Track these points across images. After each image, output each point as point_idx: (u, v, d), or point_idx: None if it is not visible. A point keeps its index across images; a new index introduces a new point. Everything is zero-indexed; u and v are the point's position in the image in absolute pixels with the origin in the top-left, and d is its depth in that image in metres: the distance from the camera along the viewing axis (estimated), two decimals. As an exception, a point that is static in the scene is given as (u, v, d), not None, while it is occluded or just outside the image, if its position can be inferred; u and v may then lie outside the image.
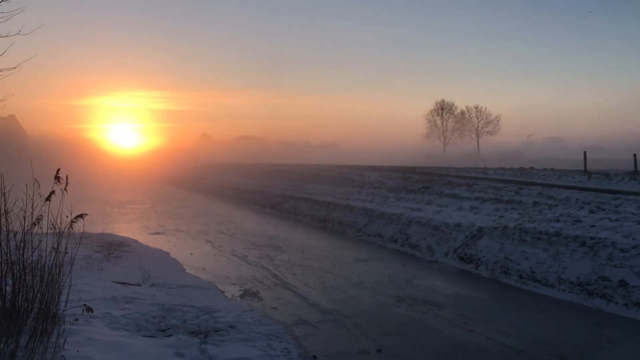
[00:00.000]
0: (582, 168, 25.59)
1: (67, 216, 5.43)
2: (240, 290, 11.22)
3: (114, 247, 15.10)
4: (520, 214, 15.52)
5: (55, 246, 5.63)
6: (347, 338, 8.04)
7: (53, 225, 5.61)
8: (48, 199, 5.41)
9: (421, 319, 8.98)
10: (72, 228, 5.47)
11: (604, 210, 14.29)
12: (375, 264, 13.83)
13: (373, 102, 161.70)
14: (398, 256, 15.00)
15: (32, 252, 5.50)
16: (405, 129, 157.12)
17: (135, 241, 17.13)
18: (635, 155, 24.31)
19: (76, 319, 6.83)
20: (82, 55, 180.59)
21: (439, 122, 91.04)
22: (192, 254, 15.65)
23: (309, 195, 27.56)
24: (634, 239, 10.87)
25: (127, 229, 21.43)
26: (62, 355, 5.20)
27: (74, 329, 6.27)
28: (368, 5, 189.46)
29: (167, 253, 15.53)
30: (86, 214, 5.60)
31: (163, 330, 7.54)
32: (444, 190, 21.84)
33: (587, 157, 27.13)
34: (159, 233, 20.30)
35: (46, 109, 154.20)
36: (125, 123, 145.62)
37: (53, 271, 5.56)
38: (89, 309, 6.84)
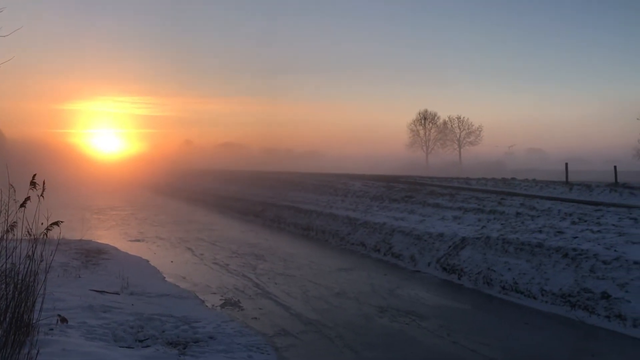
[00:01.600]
0: (564, 179, 25.80)
1: (42, 223, 5.27)
2: (220, 299, 11.04)
3: (92, 255, 14.83)
4: (502, 224, 15.55)
5: (30, 253, 5.46)
6: (330, 349, 7.92)
7: (28, 232, 5.44)
8: (23, 205, 5.25)
9: (404, 330, 8.89)
10: (47, 235, 5.31)
11: (586, 221, 14.37)
12: (358, 274, 13.73)
13: (357, 110, 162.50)
14: (381, 265, 14.92)
15: (6, 260, 5.32)
16: (388, 138, 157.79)
17: (115, 248, 16.85)
18: (615, 167, 24.62)
19: (51, 329, 6.64)
20: (65, 59, 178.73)
21: (421, 131, 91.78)
22: (172, 262, 15.42)
23: (292, 203, 27.43)
24: (615, 250, 10.91)
25: (107, 235, 21.10)
26: (34, 367, 5.03)
27: (48, 339, 6.09)
28: (351, 14, 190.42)
29: (147, 261, 15.29)
30: (62, 221, 5.44)
31: (141, 341, 7.36)
32: (427, 200, 21.85)
33: (568, 168, 27.38)
34: (138, 240, 20.01)
35: (28, 112, 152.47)
36: (107, 128, 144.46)
37: (27, 279, 5.39)
38: (64, 319, 6.64)
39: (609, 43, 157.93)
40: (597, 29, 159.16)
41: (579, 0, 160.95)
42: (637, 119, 64.16)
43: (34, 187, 5.32)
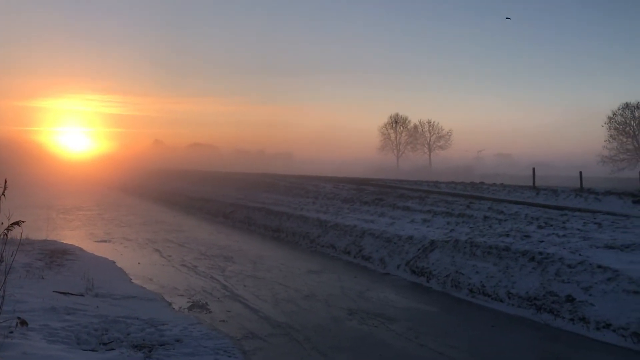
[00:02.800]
0: (531, 184, 26.23)
1: (1, 223, 5.11)
2: (188, 302, 10.90)
3: (56, 255, 14.49)
4: (471, 227, 15.72)
5: (-10, 254, 5.29)
6: (298, 353, 7.87)
7: (-12, 232, 5.27)
8: (-18, 204, 5.08)
9: (373, 333, 8.90)
10: (7, 235, 5.15)
11: (552, 225, 14.63)
12: (328, 276, 13.71)
13: (329, 113, 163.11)
14: (351, 268, 14.93)
15: (-36, 261, 5.15)
16: (360, 142, 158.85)
17: (80, 249, 16.52)
18: (581, 173, 25.12)
19: (11, 332, 6.43)
20: (31, 55, 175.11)
21: (392, 135, 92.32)
22: (139, 263, 15.18)
23: (263, 205, 27.29)
24: (580, 254, 11.11)
25: (72, 236, 20.68)
26: (-8, 372, 4.86)
27: (8, 343, 5.89)
28: (323, 17, 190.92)
29: (113, 262, 15.02)
30: (24, 221, 5.28)
31: (105, 344, 7.20)
32: (397, 203, 21.98)
33: (535, 173, 27.85)
34: (105, 241, 19.65)
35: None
36: (75, 126, 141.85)
37: (-14, 281, 5.22)
38: (23, 322, 6.44)
39: (575, 50, 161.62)
40: (565, 36, 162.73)
41: (546, 8, 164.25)
42: (602, 125, 65.48)
43: (-6, 185, 5.16)
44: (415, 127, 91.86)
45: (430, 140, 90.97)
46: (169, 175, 57.87)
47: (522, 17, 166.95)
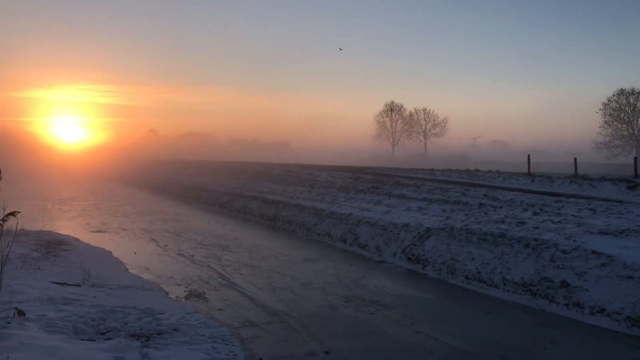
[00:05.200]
0: (526, 171, 26.32)
1: (-3, 214, 5.11)
2: (185, 291, 10.93)
3: (53, 246, 14.49)
4: (466, 215, 15.77)
5: (-15, 245, 5.29)
6: (295, 340, 7.92)
7: (-17, 223, 5.27)
8: (-23, 195, 5.07)
9: (369, 320, 8.95)
10: (2, 226, 5.15)
11: (546, 212, 14.69)
12: (324, 264, 13.75)
13: (325, 102, 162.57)
14: (347, 256, 14.98)
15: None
16: (355, 130, 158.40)
17: (76, 239, 16.52)
18: (575, 159, 25.25)
19: (8, 322, 6.46)
20: (25, 45, 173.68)
21: (388, 123, 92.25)
22: (135, 253, 15.19)
23: (259, 194, 27.31)
24: (574, 240, 11.18)
25: (68, 226, 20.66)
26: (-10, 362, 4.88)
27: (5, 333, 5.92)
28: (318, 5, 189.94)
29: (110, 252, 15.02)
30: (19, 212, 5.28)
31: (102, 334, 7.23)
32: (392, 191, 22.01)
33: (530, 160, 27.93)
34: (101, 231, 19.64)
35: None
36: (69, 117, 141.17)
37: (-18, 272, 5.23)
38: (21, 313, 6.47)
39: (571, 37, 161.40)
40: (560, 22, 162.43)
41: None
42: (597, 112, 65.63)
43: (-11, 176, 5.15)
44: (411, 114, 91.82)
45: (425, 127, 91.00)
46: (165, 165, 57.74)
47: (518, 4, 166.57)
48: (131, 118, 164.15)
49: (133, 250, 15.66)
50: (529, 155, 28.44)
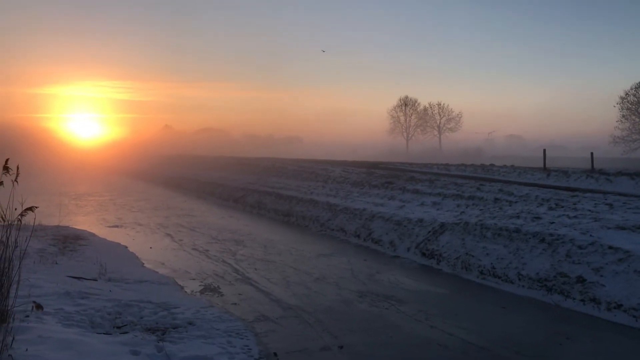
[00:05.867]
0: (542, 165, 26.10)
1: (15, 208, 5.17)
2: (200, 285, 11.01)
3: (69, 241, 14.65)
4: (481, 210, 15.69)
5: (4, 239, 5.36)
6: (309, 334, 7.94)
7: (2, 217, 5.34)
8: (-5, 190, 5.14)
9: (383, 315, 8.95)
10: (20, 221, 5.22)
11: (562, 207, 14.56)
12: (338, 259, 13.77)
13: (338, 97, 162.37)
14: (361, 251, 14.98)
15: (-21, 246, 5.22)
16: (369, 125, 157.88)
17: (92, 234, 16.69)
18: (592, 154, 24.96)
19: (26, 316, 6.54)
20: (42, 42, 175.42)
21: (402, 118, 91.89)
22: (151, 248, 15.32)
23: (273, 189, 27.37)
24: (591, 235, 11.08)
25: (84, 221, 20.88)
26: (9, 355, 4.95)
27: (24, 327, 5.99)
28: (333, 2, 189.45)
29: (125, 247, 15.17)
30: (37, 207, 5.34)
31: (119, 327, 7.30)
32: (406, 186, 21.95)
33: (546, 154, 27.69)
34: (117, 226, 19.83)
35: (1, 96, 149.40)
36: (85, 113, 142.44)
37: (1, 265, 5.29)
38: (39, 307, 6.54)
39: (587, 30, 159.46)
40: (577, 15, 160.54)
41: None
42: (614, 106, 64.66)
43: (7, 172, 5.21)
44: (425, 109, 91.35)
45: (440, 122, 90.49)
46: (179, 160, 58.08)
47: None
48: (146, 114, 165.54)
49: (148, 245, 15.79)
50: (544, 150, 28.19)
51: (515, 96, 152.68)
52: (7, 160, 5.27)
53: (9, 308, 5.45)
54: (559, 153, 65.35)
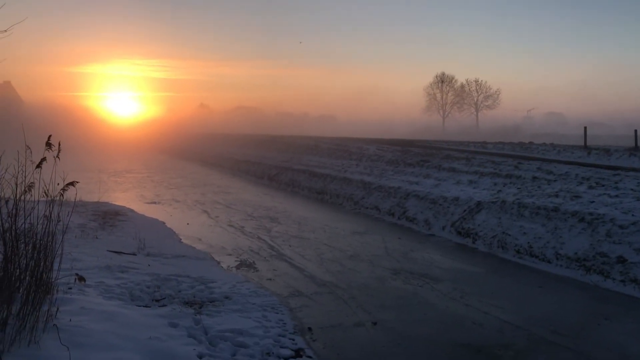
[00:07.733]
0: (582, 144, 25.47)
1: (58, 184, 5.30)
2: (236, 261, 11.17)
3: (109, 216, 15.02)
4: (518, 188, 15.42)
5: (47, 214, 5.51)
6: (343, 310, 8.00)
7: (45, 192, 5.48)
8: (39, 165, 5.27)
9: (417, 293, 8.94)
10: (62, 196, 5.35)
11: (603, 186, 14.20)
12: (372, 237, 13.77)
13: (373, 74, 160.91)
14: (395, 229, 14.95)
15: (24, 220, 5.37)
16: (404, 102, 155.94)
17: (131, 210, 17.06)
18: (636, 131, 24.16)
19: (70, 288, 6.76)
20: (80, 21, 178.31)
21: (438, 95, 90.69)
22: (188, 224, 15.59)
23: (307, 167, 27.44)
24: (633, 215, 10.79)
25: (123, 198, 21.35)
26: (54, 324, 5.12)
27: (67, 298, 6.19)
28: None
29: (163, 223, 15.47)
30: (77, 182, 5.46)
31: (157, 300, 7.49)
32: (442, 164, 21.72)
33: (587, 132, 26.99)
34: (155, 203, 20.22)
35: (43, 75, 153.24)
36: (123, 91, 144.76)
37: (45, 239, 5.45)
38: (82, 279, 6.76)
39: (629, 7, 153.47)
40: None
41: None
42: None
43: (50, 148, 5.33)
44: (462, 86, 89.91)
45: (477, 99, 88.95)
46: (215, 138, 58.62)
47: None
48: (182, 92, 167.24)
49: (186, 221, 16.07)
50: (585, 128, 27.45)
51: (556, 72, 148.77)
52: (49, 137, 5.40)
53: (52, 280, 5.62)
54: (601, 131, 63.44)
